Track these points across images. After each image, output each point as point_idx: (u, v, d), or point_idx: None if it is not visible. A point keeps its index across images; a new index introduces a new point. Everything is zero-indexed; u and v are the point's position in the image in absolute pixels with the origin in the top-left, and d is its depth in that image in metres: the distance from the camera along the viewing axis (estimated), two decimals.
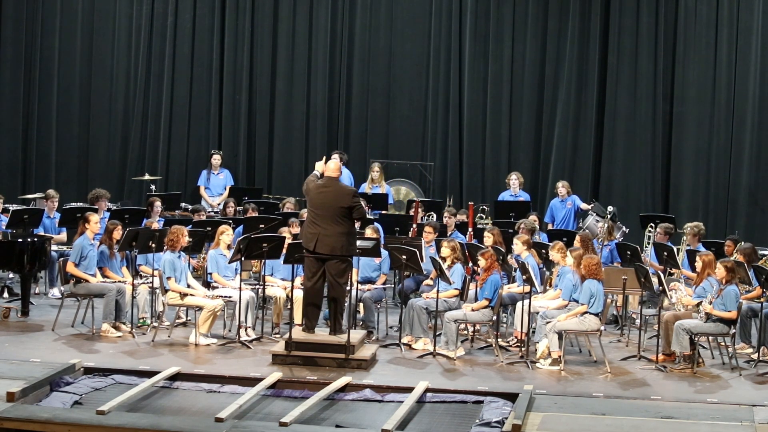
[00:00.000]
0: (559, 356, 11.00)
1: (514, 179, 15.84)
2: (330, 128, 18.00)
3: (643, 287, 11.63)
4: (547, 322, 11.13)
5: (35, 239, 12.90)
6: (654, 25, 17.09)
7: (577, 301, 11.30)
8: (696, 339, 10.97)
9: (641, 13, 17.10)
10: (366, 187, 15.87)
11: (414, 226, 14.04)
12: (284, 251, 11.95)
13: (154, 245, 12.01)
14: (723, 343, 11.43)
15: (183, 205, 15.85)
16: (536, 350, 11.23)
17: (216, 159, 16.82)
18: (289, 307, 12.10)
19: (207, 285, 12.29)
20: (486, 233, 12.67)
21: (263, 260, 12.27)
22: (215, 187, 16.77)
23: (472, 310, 11.41)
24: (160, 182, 17.48)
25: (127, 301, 11.89)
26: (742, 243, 12.71)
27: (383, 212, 15.28)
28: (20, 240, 12.79)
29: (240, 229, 13.52)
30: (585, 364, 11.25)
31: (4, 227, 13.61)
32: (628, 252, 12.90)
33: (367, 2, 17.89)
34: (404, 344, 11.63)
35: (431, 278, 12.22)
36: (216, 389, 10.01)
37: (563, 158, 17.33)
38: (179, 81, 18.21)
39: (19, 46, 18.36)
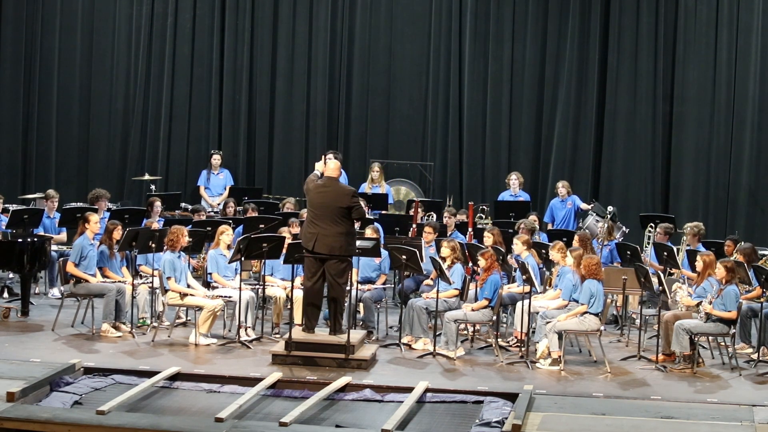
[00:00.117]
0: (559, 356, 11.00)
1: (514, 179, 15.83)
2: (330, 128, 18.00)
3: (643, 287, 11.63)
4: (547, 322, 11.13)
5: (35, 239, 12.90)
6: (654, 25, 17.08)
7: (577, 301, 11.30)
8: (696, 339, 10.98)
9: (641, 13, 17.10)
10: (366, 187, 15.87)
11: (414, 226, 14.04)
12: (284, 251, 11.96)
13: (154, 245, 12.01)
14: (723, 343, 11.43)
15: (183, 205, 15.85)
16: (536, 350, 11.23)
17: (216, 159, 16.82)
18: (289, 307, 12.10)
19: (207, 285, 12.29)
20: (486, 233, 12.67)
21: (263, 260, 12.27)
22: (215, 187, 16.77)
23: (472, 310, 11.41)
24: (160, 182, 17.48)
25: (127, 301, 11.89)
26: (742, 243, 12.71)
27: (383, 212, 15.28)
28: (20, 240, 12.79)
29: (240, 229, 13.52)
30: (585, 364, 11.25)
31: (4, 227, 13.60)
32: (628, 252, 12.90)
33: (367, 2, 17.89)
34: (404, 344, 11.63)
35: (431, 278, 12.23)
36: (216, 389, 10.01)
37: (563, 158, 17.32)
38: (179, 81, 18.21)
39: (19, 46, 18.36)
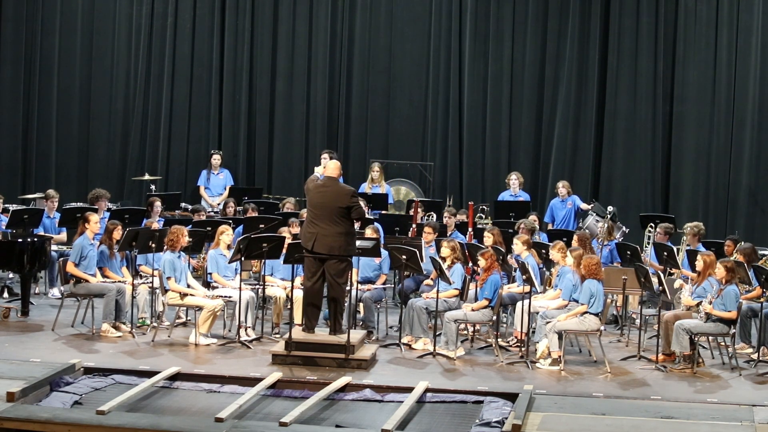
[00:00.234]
0: (559, 356, 11.00)
1: (514, 179, 15.83)
2: (330, 128, 18.00)
3: (643, 287, 11.63)
4: (547, 322, 11.13)
5: (35, 239, 12.90)
6: (654, 25, 17.08)
7: (577, 301, 11.30)
8: (696, 339, 10.97)
9: (641, 13, 17.09)
10: (366, 187, 15.86)
11: (414, 226, 14.04)
12: (284, 251, 11.95)
13: (154, 245, 12.01)
14: (723, 343, 11.43)
15: (183, 205, 15.85)
16: (536, 350, 11.23)
17: (216, 159, 16.82)
18: (289, 307, 12.10)
19: (207, 285, 12.29)
20: (486, 233, 12.66)
21: (263, 260, 12.27)
22: (215, 187, 16.76)
23: (472, 310, 11.41)
24: (160, 182, 17.48)
25: (127, 301, 11.89)
26: (742, 243, 12.71)
27: (383, 212, 15.28)
28: (20, 240, 12.79)
29: (240, 229, 13.52)
30: (585, 364, 11.25)
31: (4, 227, 13.60)
32: (628, 252, 12.90)
33: (367, 2, 17.89)
34: (404, 344, 11.63)
35: (431, 278, 12.22)
36: (216, 389, 10.01)
37: (563, 158, 17.32)
38: (179, 81, 18.21)
39: (19, 46, 18.35)
